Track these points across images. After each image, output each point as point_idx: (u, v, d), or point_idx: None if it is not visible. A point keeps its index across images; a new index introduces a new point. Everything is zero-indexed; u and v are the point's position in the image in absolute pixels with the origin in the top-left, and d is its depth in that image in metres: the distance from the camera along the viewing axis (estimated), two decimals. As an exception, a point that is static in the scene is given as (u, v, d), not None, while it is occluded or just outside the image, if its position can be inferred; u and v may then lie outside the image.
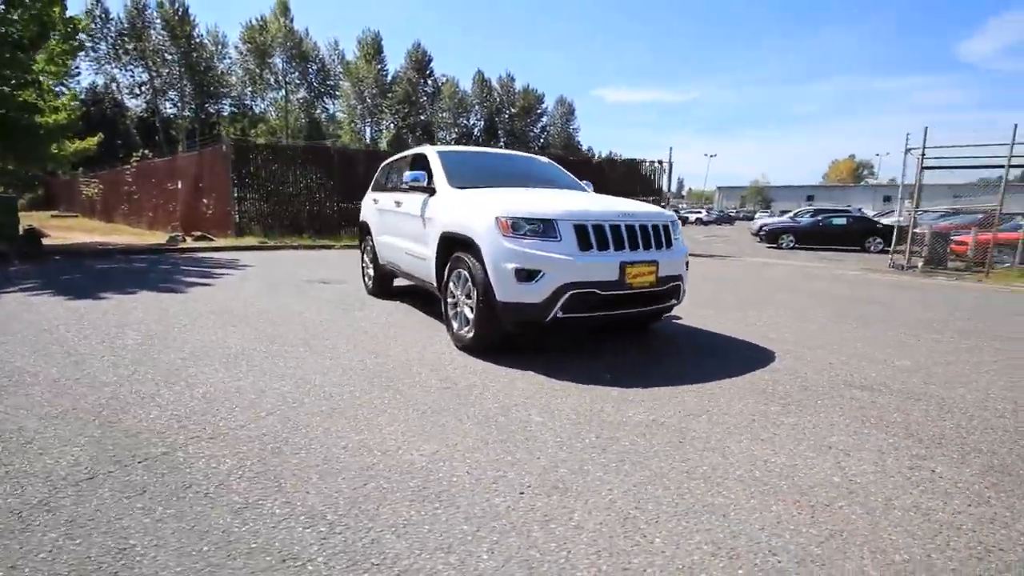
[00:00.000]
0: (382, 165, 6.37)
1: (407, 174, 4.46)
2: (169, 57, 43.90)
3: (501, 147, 62.84)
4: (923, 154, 11.91)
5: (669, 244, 3.74)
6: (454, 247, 3.85)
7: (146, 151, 19.14)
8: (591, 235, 3.34)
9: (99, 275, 7.37)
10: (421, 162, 4.85)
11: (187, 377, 3.06)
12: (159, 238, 14.75)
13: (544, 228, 3.32)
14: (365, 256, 6.30)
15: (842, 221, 19.60)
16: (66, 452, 2.13)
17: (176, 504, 1.78)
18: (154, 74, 43.57)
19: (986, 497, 1.96)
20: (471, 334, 3.61)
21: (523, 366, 3.38)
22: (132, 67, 43.42)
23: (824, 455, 2.25)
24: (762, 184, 79.60)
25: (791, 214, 25.40)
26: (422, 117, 62.48)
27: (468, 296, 3.65)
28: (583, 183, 5.19)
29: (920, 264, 11.90)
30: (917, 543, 1.67)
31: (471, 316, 3.61)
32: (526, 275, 3.26)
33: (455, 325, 3.84)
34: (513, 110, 69.91)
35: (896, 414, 2.73)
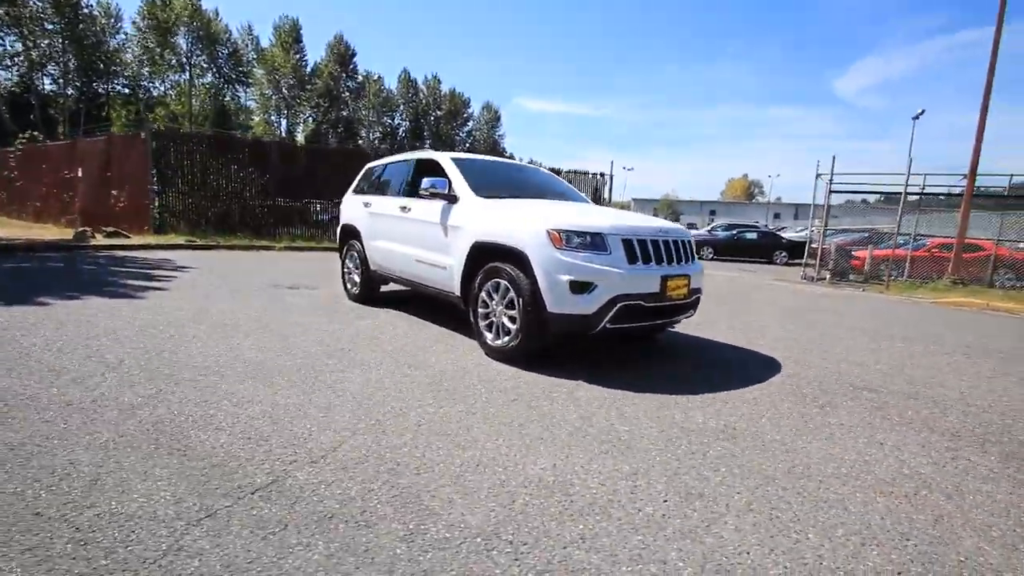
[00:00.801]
0: (369, 167, 6.12)
1: (425, 180, 4.35)
2: (50, 27, 38.28)
3: (427, 147, 62.12)
4: (831, 179, 13.56)
5: (692, 258, 4.00)
6: (489, 257, 3.83)
7: (34, 133, 16.56)
8: (636, 249, 3.51)
9: (17, 276, 6.36)
10: (432, 168, 4.76)
11: (227, 395, 2.79)
12: (55, 232, 12.95)
13: (593, 241, 3.43)
14: (348, 262, 6.02)
15: (754, 236, 21.67)
16: (155, 488, 1.88)
17: (337, 537, 1.65)
18: (30, 44, 37.77)
19: (1021, 480, 2.35)
20: (513, 344, 3.61)
21: (566, 375, 3.45)
22: (2, 35, 37.33)
23: (882, 450, 2.56)
24: (672, 198, 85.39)
25: (708, 228, 27.55)
26: (344, 113, 60.08)
27: (509, 306, 3.65)
28: (582, 195, 5.37)
29: (828, 276, 13.50)
30: (1000, 520, 1.98)
31: (513, 327, 3.62)
32: (579, 287, 3.34)
33: (488, 335, 3.82)
34: (439, 112, 69.29)
35: (909, 412, 3.16)
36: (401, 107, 66.68)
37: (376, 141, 60.68)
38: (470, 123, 73.25)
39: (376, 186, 5.73)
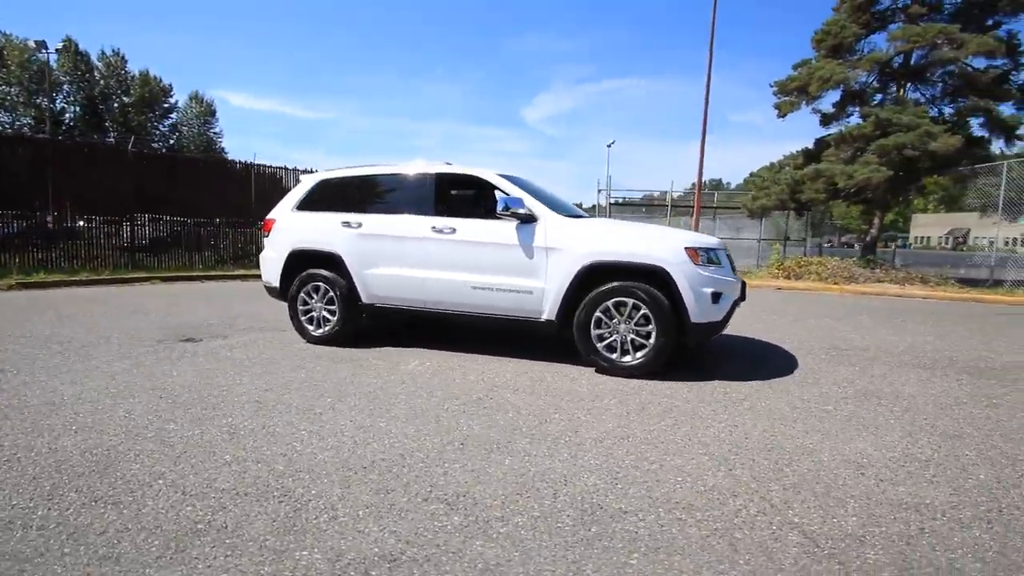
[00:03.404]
0: (323, 179, 4.95)
1: (502, 198, 3.95)
2: None
3: (112, 140, 48.53)
4: (610, 193, 16.78)
5: (728, 265, 4.78)
6: (605, 277, 3.80)
7: None
8: (729, 260, 4.06)
9: None
10: (469, 184, 4.35)
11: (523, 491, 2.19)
12: None
13: (711, 256, 3.83)
14: (311, 296, 4.77)
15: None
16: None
17: None
18: None
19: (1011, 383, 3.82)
20: (646, 359, 3.71)
21: (695, 379, 3.76)
22: None
23: (966, 385, 3.75)
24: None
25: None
26: (-39, 86, 42.01)
27: (642, 323, 3.72)
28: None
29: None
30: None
31: (648, 343, 3.71)
32: (715, 297, 3.70)
33: (613, 355, 3.80)
34: (127, 99, 55.22)
35: (903, 359, 4.58)
36: (66, 86, 50.51)
37: (28, 128, 44.57)
38: (174, 115, 60.58)
39: (357, 202, 4.71)
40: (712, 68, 14.45)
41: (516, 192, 4.17)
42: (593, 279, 3.86)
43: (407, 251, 4.39)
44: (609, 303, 3.80)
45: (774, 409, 3.16)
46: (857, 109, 14.17)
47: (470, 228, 4.21)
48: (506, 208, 3.96)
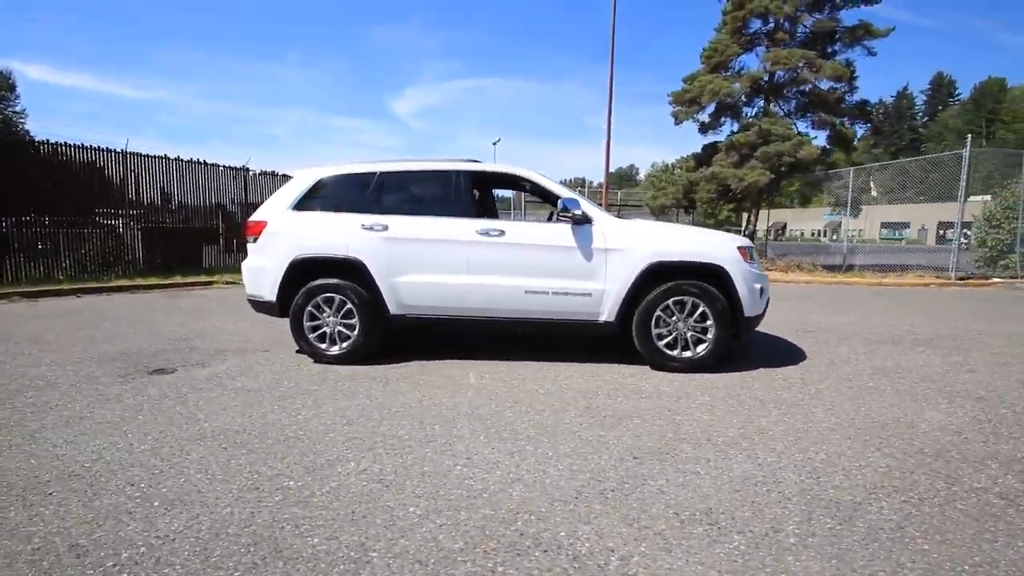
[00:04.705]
0: (327, 176, 4.34)
1: (561, 200, 3.84)
2: None
3: None
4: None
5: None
6: (666, 276, 3.92)
7: None
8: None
9: None
10: (517, 183, 4.14)
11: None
12: None
13: (751, 254, 4.15)
14: (320, 310, 4.18)
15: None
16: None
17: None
18: None
19: (965, 349, 4.73)
20: (706, 352, 3.92)
21: (745, 368, 4.08)
22: None
23: (932, 356, 4.52)
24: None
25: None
26: None
27: (700, 319, 3.91)
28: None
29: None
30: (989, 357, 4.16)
31: (708, 337, 3.91)
32: (761, 292, 4.03)
33: (674, 352, 3.94)
34: None
35: (884, 335, 5.39)
36: None
37: None
38: (-48, 88, 48.20)
39: (374, 202, 4.20)
40: (613, 77, 15.47)
41: (567, 192, 4.10)
42: (657, 278, 3.96)
43: (449, 256, 4.06)
44: (669, 301, 3.93)
45: (835, 390, 3.55)
46: (728, 120, 16.31)
47: (521, 230, 4.05)
48: (564, 209, 3.88)
